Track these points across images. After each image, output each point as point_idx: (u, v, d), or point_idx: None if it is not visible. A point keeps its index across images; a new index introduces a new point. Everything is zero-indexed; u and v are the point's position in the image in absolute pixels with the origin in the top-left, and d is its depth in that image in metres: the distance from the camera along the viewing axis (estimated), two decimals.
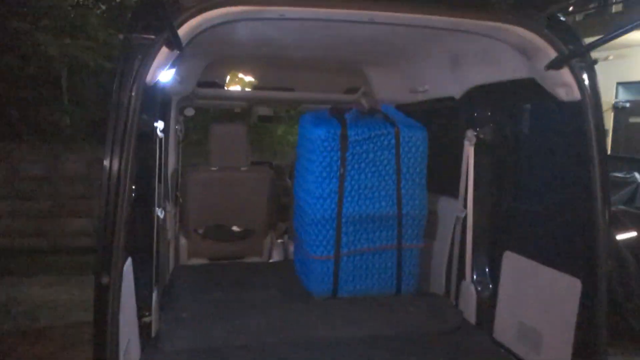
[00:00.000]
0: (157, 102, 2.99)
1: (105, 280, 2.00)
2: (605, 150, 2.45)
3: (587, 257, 2.51)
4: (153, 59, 2.12)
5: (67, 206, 8.61)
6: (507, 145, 3.34)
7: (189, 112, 5.29)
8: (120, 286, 2.06)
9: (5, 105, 8.44)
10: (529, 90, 2.90)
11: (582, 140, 2.45)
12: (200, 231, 4.65)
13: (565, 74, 2.42)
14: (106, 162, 2.06)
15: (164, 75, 2.65)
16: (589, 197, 2.43)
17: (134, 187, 2.83)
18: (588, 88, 2.40)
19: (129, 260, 2.63)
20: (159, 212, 3.05)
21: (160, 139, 3.01)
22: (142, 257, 2.88)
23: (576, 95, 2.44)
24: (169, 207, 4.29)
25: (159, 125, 2.97)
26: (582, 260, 2.56)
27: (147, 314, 2.91)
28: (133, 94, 2.06)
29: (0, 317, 5.65)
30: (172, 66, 2.65)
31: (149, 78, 2.16)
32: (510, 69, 2.89)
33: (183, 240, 4.70)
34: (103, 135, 2.14)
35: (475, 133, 3.42)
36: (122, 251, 2.04)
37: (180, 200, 4.61)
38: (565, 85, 2.46)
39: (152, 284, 2.99)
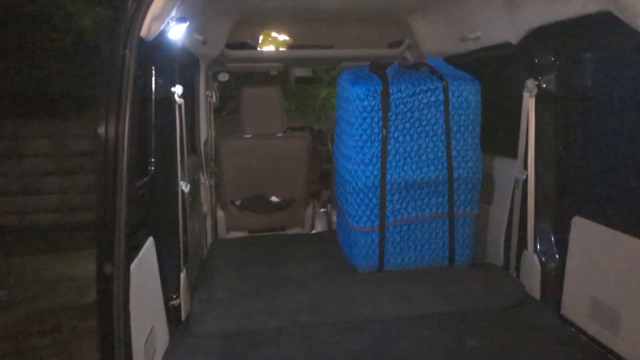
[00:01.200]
0: (171, 63, 2.71)
1: (108, 269, 1.75)
2: None
3: None
4: (147, 6, 1.80)
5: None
6: (574, 95, 2.89)
7: (223, 77, 5.04)
8: (125, 274, 1.81)
9: (45, 81, 8.35)
10: (601, 27, 2.45)
11: None
12: (238, 203, 4.43)
13: None
14: (100, 131, 1.78)
15: (175, 30, 2.36)
16: None
17: (152, 159, 2.61)
18: None
19: (150, 240, 2.42)
20: (184, 186, 2.80)
21: (180, 105, 2.73)
22: (165, 235, 2.66)
23: None
24: (203, 178, 4.08)
25: (177, 89, 2.69)
26: None
27: (174, 296, 2.71)
28: (127, 50, 1.76)
29: (52, 293, 5.69)
30: (184, 20, 2.35)
31: (145, 31, 1.86)
32: (579, 2, 2.43)
33: (220, 213, 4.50)
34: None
35: (537, 82, 2.98)
36: (126, 235, 1.78)
37: (215, 171, 4.39)
38: None
39: (180, 263, 2.78)
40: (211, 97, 4.52)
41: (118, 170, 1.76)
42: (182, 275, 2.78)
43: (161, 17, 1.97)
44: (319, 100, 9.85)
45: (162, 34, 2.38)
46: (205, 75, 4.32)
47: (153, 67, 2.59)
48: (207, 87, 4.49)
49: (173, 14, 2.31)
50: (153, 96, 2.59)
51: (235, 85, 7.44)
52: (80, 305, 5.40)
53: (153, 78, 2.59)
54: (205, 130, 4.28)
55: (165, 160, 2.69)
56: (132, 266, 2.07)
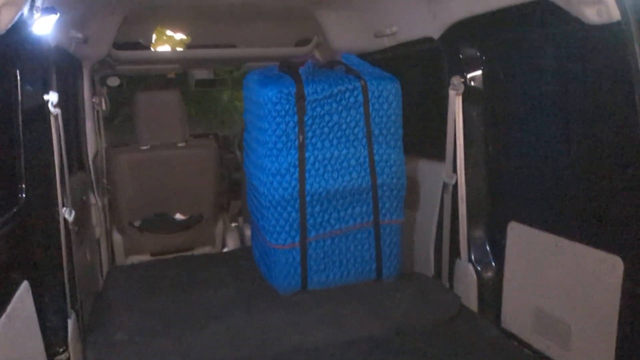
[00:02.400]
0: (43, 65, 2.22)
1: None
2: None
3: (630, 226, 1.94)
4: None
5: None
6: (503, 92, 2.72)
7: (113, 81, 4.51)
8: None
9: None
10: (532, 17, 2.27)
11: (621, 74, 1.83)
12: (137, 224, 3.93)
13: None
14: None
15: (42, 23, 1.89)
16: (632, 147, 1.84)
17: (22, 185, 2.12)
18: (632, 3, 1.77)
19: (24, 286, 1.94)
20: (66, 214, 2.31)
21: (56, 116, 2.24)
22: (45, 276, 2.17)
23: (613, 14, 1.80)
24: (94, 198, 3.54)
25: (52, 97, 2.20)
26: (622, 231, 1.99)
27: (61, 349, 2.22)
28: None
29: None
30: (53, 10, 1.89)
31: None
32: None
33: (117, 236, 3.98)
34: None
35: (463, 79, 2.79)
36: None
37: (108, 189, 3.85)
38: (597, 3, 1.82)
39: (67, 308, 2.29)
40: (99, 104, 3.98)
41: None
42: (71, 322, 2.29)
43: (14, 3, 1.51)
44: (221, 104, 9.36)
45: (23, 27, 1.90)
46: (90, 79, 3.77)
47: (18, 71, 2.08)
48: (95, 94, 3.94)
49: (38, 3, 1.84)
50: (19, 107, 2.09)
51: (129, 89, 6.84)
52: None
53: (18, 84, 2.09)
54: (93, 143, 3.73)
55: (41, 184, 2.20)
56: None
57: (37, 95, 2.19)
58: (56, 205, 2.27)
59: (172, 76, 5.12)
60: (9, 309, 1.75)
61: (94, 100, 3.80)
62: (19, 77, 2.09)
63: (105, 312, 2.94)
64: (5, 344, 1.68)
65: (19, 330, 1.84)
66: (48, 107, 2.21)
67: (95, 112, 3.86)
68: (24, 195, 2.13)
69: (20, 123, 2.10)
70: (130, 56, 4.04)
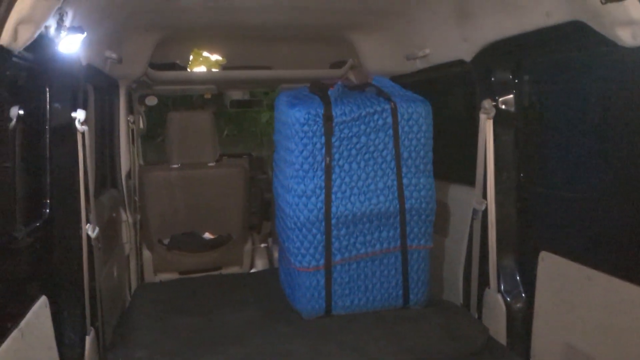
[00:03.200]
0: (72, 84, 2.27)
1: None
2: None
3: None
4: (7, 6, 1.37)
5: None
6: (536, 116, 2.63)
7: (151, 101, 4.60)
8: None
9: None
10: (566, 40, 2.20)
11: None
12: (166, 242, 3.96)
13: (634, 6, 1.70)
14: None
15: (68, 42, 1.93)
16: None
17: (48, 201, 2.16)
18: None
19: (42, 300, 1.95)
20: (89, 230, 2.33)
21: (83, 134, 2.29)
22: (65, 292, 2.19)
23: None
24: (125, 215, 3.60)
25: (79, 115, 2.24)
26: None
27: None
28: None
29: None
30: (80, 30, 1.93)
31: (7, 37, 1.42)
32: (541, 12, 2.17)
33: (147, 254, 4.01)
34: None
35: (494, 103, 2.71)
36: None
37: (139, 205, 3.90)
38: (632, 24, 1.74)
39: (86, 325, 2.30)
40: (136, 123, 4.07)
41: None
42: (89, 339, 2.30)
43: (32, 21, 1.54)
44: (259, 125, 9.48)
45: (50, 45, 1.95)
46: (126, 98, 3.86)
47: (47, 88, 2.14)
48: (131, 112, 4.03)
49: (66, 22, 1.89)
50: (47, 123, 2.14)
51: (174, 109, 7.00)
52: None
53: (47, 101, 2.14)
54: (127, 161, 3.80)
55: (66, 200, 2.23)
56: (9, 340, 1.60)
57: (65, 112, 2.23)
58: (79, 221, 2.30)
59: (209, 96, 5.19)
60: (22, 323, 1.76)
61: (129, 119, 3.89)
62: (47, 94, 2.14)
63: (129, 329, 2.95)
64: (17, 359, 1.69)
65: (33, 345, 1.85)
66: (75, 125, 2.25)
67: (130, 131, 3.94)
68: (47, 210, 2.16)
69: (48, 139, 2.15)
70: (166, 76, 4.12)
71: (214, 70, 4.27)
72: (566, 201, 2.45)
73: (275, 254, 4.17)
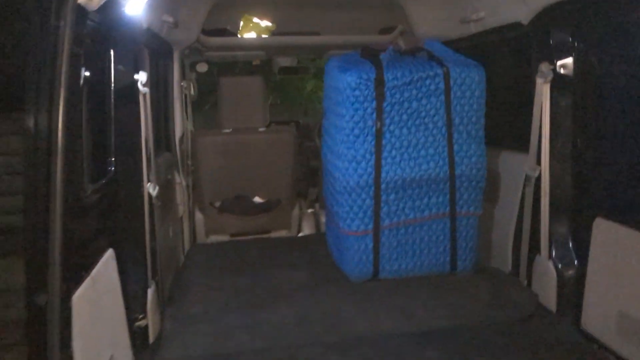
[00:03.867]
0: (134, 46, 2.34)
1: (41, 299, 1.38)
2: None
3: None
4: None
5: None
6: (595, 80, 2.56)
7: (202, 67, 4.68)
8: (65, 306, 1.45)
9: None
10: (630, 1, 2.10)
11: None
12: (217, 204, 4.07)
13: None
14: (29, 123, 1.40)
15: (133, 3, 1.99)
16: None
17: (113, 159, 2.25)
18: None
19: (109, 253, 2.06)
20: (151, 189, 2.43)
21: (145, 95, 2.36)
22: (129, 246, 2.30)
23: None
24: (179, 178, 3.71)
25: (141, 77, 2.32)
26: None
27: (140, 316, 2.35)
28: (61, 21, 1.38)
29: None
30: None
31: None
32: None
33: (199, 216, 4.14)
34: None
35: (552, 67, 2.65)
36: (61, 256, 1.41)
37: (192, 169, 4.02)
38: None
39: (147, 277, 2.42)
40: (188, 88, 4.15)
41: (51, 173, 1.38)
42: (150, 292, 2.42)
43: None
44: (305, 93, 9.48)
45: (116, 7, 2.01)
46: (180, 63, 3.93)
47: (112, 50, 2.21)
48: (183, 78, 4.11)
49: None
50: (112, 84, 2.22)
51: (214, 77, 7.09)
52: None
53: (112, 62, 2.21)
54: (180, 125, 3.90)
55: (129, 159, 2.32)
56: (83, 286, 1.71)
57: (128, 74, 2.31)
58: (142, 179, 2.40)
59: (257, 63, 5.23)
60: (94, 272, 1.87)
61: (182, 84, 3.97)
62: (112, 56, 2.22)
63: (184, 286, 3.08)
64: (89, 304, 1.80)
65: (103, 293, 1.96)
66: (137, 86, 2.33)
67: (184, 96, 4.03)
68: (112, 168, 2.26)
69: (112, 100, 2.23)
70: (217, 42, 4.16)
71: (263, 36, 4.29)
72: (623, 168, 2.40)
73: (322, 219, 4.23)
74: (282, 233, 4.32)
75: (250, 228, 4.18)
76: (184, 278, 3.22)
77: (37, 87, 1.39)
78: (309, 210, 4.58)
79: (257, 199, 4.15)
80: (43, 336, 1.38)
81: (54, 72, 1.37)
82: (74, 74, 1.48)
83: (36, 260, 1.40)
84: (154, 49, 3.12)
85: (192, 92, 4.33)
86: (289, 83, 9.30)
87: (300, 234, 4.38)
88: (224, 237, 4.20)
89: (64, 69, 1.37)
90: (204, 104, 7.60)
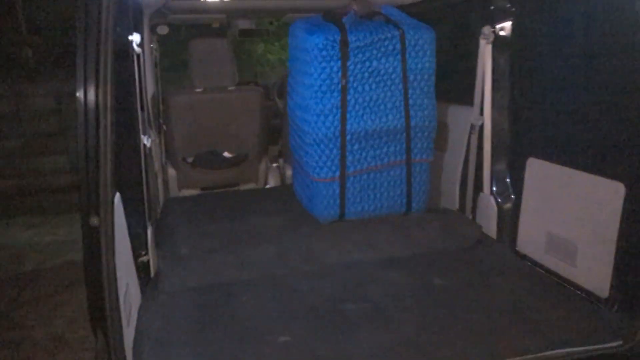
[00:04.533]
0: (128, 11, 2.56)
1: (94, 221, 1.67)
2: None
3: (632, 157, 2.24)
4: None
5: (38, 144, 8.11)
6: (529, 41, 2.99)
7: (163, 30, 4.78)
8: (112, 226, 1.75)
9: None
10: None
11: (632, 20, 2.11)
12: (190, 160, 4.31)
13: None
14: (79, 85, 1.67)
15: None
16: (638, 87, 2.12)
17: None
18: None
19: (118, 196, 2.33)
20: (146, 140, 2.69)
21: (139, 56, 2.60)
22: (131, 191, 2.57)
23: None
24: (153, 135, 3.92)
25: (135, 38, 2.55)
26: (626, 161, 2.30)
27: (143, 252, 2.64)
28: None
29: None
30: None
31: None
32: None
33: (171, 171, 4.36)
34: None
35: (493, 29, 3.05)
36: (110, 187, 1.71)
37: (164, 127, 4.23)
38: None
39: (146, 219, 2.70)
40: (157, 50, 4.31)
41: (100, 120, 1.67)
42: (149, 232, 2.71)
43: None
44: (255, 56, 9.65)
45: None
46: (148, 26, 4.09)
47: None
48: (151, 41, 4.27)
49: None
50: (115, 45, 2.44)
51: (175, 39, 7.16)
52: (19, 274, 5.16)
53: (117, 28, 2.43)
54: (151, 85, 4.09)
55: (126, 114, 2.57)
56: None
57: (124, 35, 2.53)
58: (138, 132, 2.65)
59: (217, 25, 5.36)
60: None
61: (152, 46, 4.14)
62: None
63: (167, 233, 3.30)
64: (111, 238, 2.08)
65: (117, 230, 2.24)
66: (133, 47, 2.56)
67: (153, 57, 4.20)
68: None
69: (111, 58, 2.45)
70: (183, 5, 4.32)
71: None
72: (550, 115, 2.85)
73: (287, 172, 4.55)
74: (250, 186, 4.60)
75: (221, 181, 4.43)
76: (165, 226, 3.45)
77: (85, 54, 1.65)
78: (274, 165, 4.89)
79: (226, 154, 4.40)
80: (98, 251, 1.68)
81: (99, 39, 1.63)
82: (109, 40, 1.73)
83: (90, 190, 1.69)
84: (133, 11, 3.30)
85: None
86: (239, 46, 9.43)
87: (267, 186, 4.70)
88: (196, 191, 4.46)
89: (109, 37, 1.63)
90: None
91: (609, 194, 2.38)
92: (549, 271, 2.79)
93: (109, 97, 1.66)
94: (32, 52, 8.74)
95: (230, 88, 4.31)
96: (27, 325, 4.19)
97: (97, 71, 1.66)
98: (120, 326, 1.83)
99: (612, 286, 2.39)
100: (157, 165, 3.97)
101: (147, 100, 3.95)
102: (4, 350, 3.87)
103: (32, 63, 8.64)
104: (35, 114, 8.09)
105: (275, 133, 5.04)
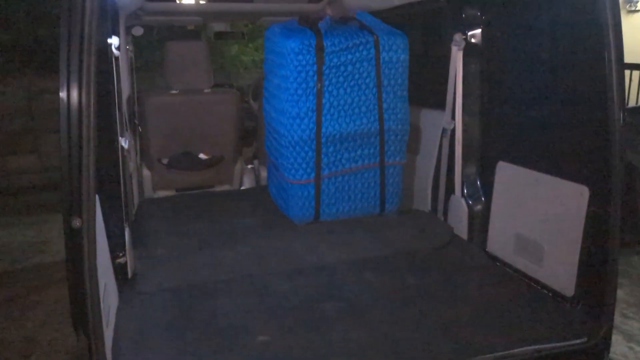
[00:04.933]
0: (107, 13, 2.57)
1: (77, 223, 1.70)
2: (621, 43, 2.21)
3: (595, 161, 2.36)
4: None
5: (7, 143, 7.96)
6: (498, 49, 3.09)
7: (137, 31, 4.78)
8: (94, 228, 1.77)
9: None
10: None
11: (594, 31, 2.22)
12: (165, 161, 4.32)
13: None
14: (63, 86, 1.69)
15: None
16: (600, 94, 2.23)
17: None
18: None
19: (96, 198, 2.34)
20: (123, 142, 2.71)
21: (117, 58, 2.61)
22: (109, 193, 2.58)
23: None
24: (128, 136, 3.92)
25: (114, 41, 2.57)
26: (589, 165, 2.41)
27: (120, 254, 2.65)
28: None
29: None
30: None
31: None
32: None
33: (146, 172, 4.36)
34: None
35: (465, 36, 3.15)
36: (93, 189, 1.73)
37: (140, 129, 4.22)
38: None
39: (123, 221, 2.71)
40: (132, 52, 4.31)
41: (83, 122, 1.69)
42: (127, 233, 2.72)
43: None
44: (228, 58, 9.64)
45: None
46: (124, 28, 4.09)
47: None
48: (127, 42, 4.27)
49: None
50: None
51: (142, 41, 7.11)
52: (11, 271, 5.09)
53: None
54: (127, 86, 4.08)
55: (104, 115, 2.58)
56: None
57: (102, 38, 2.54)
58: (116, 134, 2.67)
59: (192, 28, 5.37)
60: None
61: (127, 47, 4.13)
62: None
63: (143, 234, 3.31)
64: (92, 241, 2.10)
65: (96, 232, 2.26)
66: (111, 50, 2.57)
67: (129, 59, 4.20)
68: None
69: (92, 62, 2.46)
70: (158, 7, 4.33)
71: (201, 2, 4.49)
72: (519, 120, 2.96)
73: (262, 174, 4.59)
74: (225, 187, 4.63)
75: (196, 183, 4.45)
76: (141, 227, 3.45)
77: (68, 55, 1.67)
78: (249, 166, 4.92)
79: (202, 156, 4.42)
80: (79, 250, 1.70)
81: (82, 40, 1.66)
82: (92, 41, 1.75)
83: (72, 192, 1.72)
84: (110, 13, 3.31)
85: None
86: (212, 48, 9.41)
87: (242, 188, 4.73)
88: (170, 192, 4.46)
89: (93, 37, 1.66)
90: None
91: (574, 196, 2.48)
92: (517, 271, 2.90)
93: (92, 99, 1.69)
94: (1, 49, 8.57)
95: (206, 90, 4.34)
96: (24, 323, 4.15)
97: (80, 73, 1.69)
98: (101, 327, 1.85)
99: (577, 285, 2.50)
100: (132, 166, 3.97)
101: (123, 101, 3.96)
102: None
103: (1, 61, 8.48)
104: (5, 112, 7.95)
105: (249, 135, 5.07)
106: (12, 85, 7.91)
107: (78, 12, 1.66)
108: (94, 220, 1.77)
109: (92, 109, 1.68)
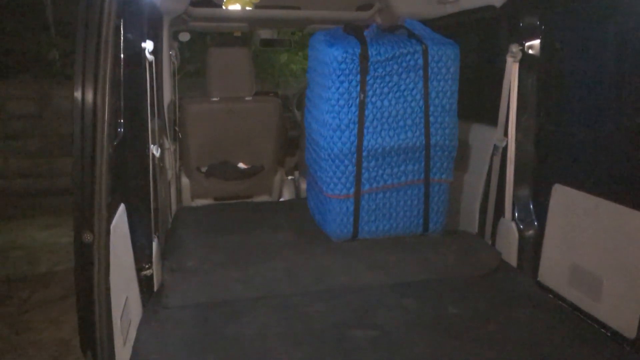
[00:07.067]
0: (142, 17, 2.50)
1: (88, 237, 1.59)
2: None
3: None
4: None
5: (60, 145, 8.18)
6: (558, 61, 2.85)
7: (184, 37, 4.78)
8: (106, 243, 1.66)
9: None
10: None
11: None
12: (204, 169, 4.25)
13: None
14: (77, 89, 1.59)
15: None
16: None
17: (121, 120, 2.42)
18: None
19: (122, 207, 2.25)
20: (155, 150, 2.62)
21: (150, 63, 2.53)
22: (137, 202, 2.50)
23: None
24: (167, 143, 3.87)
25: (148, 45, 2.48)
26: None
27: (146, 266, 2.56)
28: None
29: None
30: None
31: None
32: None
33: (185, 180, 4.31)
34: None
35: (521, 47, 2.92)
36: (106, 201, 1.62)
37: (180, 135, 4.18)
38: None
39: (151, 232, 2.62)
40: (176, 57, 4.28)
41: (98, 128, 1.58)
42: (154, 244, 2.63)
43: None
44: (277, 66, 9.62)
45: None
46: (168, 33, 4.06)
47: (122, 21, 2.37)
48: (171, 47, 4.24)
49: None
50: (122, 51, 2.38)
51: (195, 47, 7.15)
52: (32, 275, 5.15)
53: (121, 33, 2.38)
54: (169, 93, 4.05)
55: (135, 122, 2.50)
56: (105, 235, 1.91)
57: (136, 42, 2.47)
58: (147, 141, 2.58)
59: (238, 34, 5.34)
60: (113, 222, 2.07)
61: (171, 53, 4.10)
62: (122, 27, 2.38)
63: (176, 244, 3.23)
64: (113, 249, 2.01)
65: (120, 242, 2.17)
66: (145, 54, 2.50)
67: (171, 64, 4.16)
68: (121, 130, 2.44)
69: (122, 66, 2.40)
70: (204, 13, 4.29)
71: (247, 8, 4.42)
72: (580, 139, 2.71)
73: (302, 186, 4.46)
74: (264, 198, 4.53)
75: (234, 192, 4.37)
76: (175, 237, 3.39)
77: (84, 57, 1.57)
78: (289, 177, 4.81)
79: (241, 165, 4.34)
80: (90, 268, 1.59)
81: (99, 41, 1.56)
82: (115, 43, 1.65)
83: (83, 205, 1.61)
84: (151, 17, 3.26)
85: (176, 60, 4.46)
86: (261, 55, 9.42)
87: (281, 199, 4.61)
88: (209, 201, 4.39)
89: (109, 40, 1.56)
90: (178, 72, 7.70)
91: (638, 226, 2.22)
92: (571, 305, 2.64)
93: (107, 107, 1.58)
94: (59, 54, 8.85)
95: (247, 98, 4.26)
96: (36, 328, 4.16)
97: (95, 77, 1.58)
98: (112, 348, 1.74)
99: None
100: (170, 174, 3.91)
101: (163, 108, 3.91)
102: (10, 352, 3.84)
103: (58, 65, 8.74)
104: (59, 115, 8.16)
105: (292, 145, 4.96)
106: (68, 90, 8.12)
107: (96, 10, 1.56)
108: (107, 234, 1.66)
109: (106, 116, 1.57)
